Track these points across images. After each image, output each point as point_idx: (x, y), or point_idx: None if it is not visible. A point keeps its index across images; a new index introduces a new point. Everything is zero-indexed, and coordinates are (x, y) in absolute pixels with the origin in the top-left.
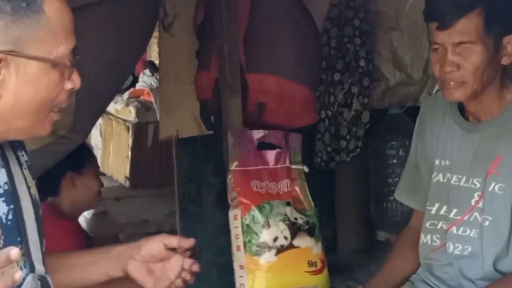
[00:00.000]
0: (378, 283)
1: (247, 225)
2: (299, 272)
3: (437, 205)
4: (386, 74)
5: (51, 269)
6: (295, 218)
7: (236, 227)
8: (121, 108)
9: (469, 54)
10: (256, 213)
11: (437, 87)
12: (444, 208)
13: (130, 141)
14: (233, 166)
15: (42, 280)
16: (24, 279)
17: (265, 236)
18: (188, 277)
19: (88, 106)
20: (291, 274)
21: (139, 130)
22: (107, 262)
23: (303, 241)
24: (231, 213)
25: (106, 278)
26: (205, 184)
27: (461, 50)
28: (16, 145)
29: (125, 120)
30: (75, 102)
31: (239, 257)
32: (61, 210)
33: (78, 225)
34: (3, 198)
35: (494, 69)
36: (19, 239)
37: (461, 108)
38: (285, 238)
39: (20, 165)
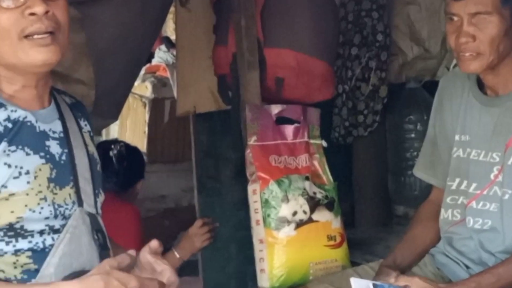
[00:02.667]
0: (400, 255)
1: (266, 200)
2: (319, 246)
3: (457, 180)
4: (403, 48)
5: None
6: (314, 193)
7: (255, 201)
8: (137, 84)
9: (485, 25)
10: (275, 187)
11: (455, 61)
12: (465, 183)
13: (147, 116)
14: (252, 141)
15: (91, 217)
16: (75, 210)
17: (284, 210)
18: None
19: (110, 96)
20: (311, 248)
21: (156, 106)
22: None
23: (322, 215)
24: (250, 187)
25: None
26: (223, 159)
27: (477, 21)
28: (80, 115)
29: (141, 96)
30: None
31: (259, 231)
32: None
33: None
34: (57, 141)
35: (511, 40)
36: (71, 177)
37: (480, 83)
38: (304, 212)
39: (79, 127)
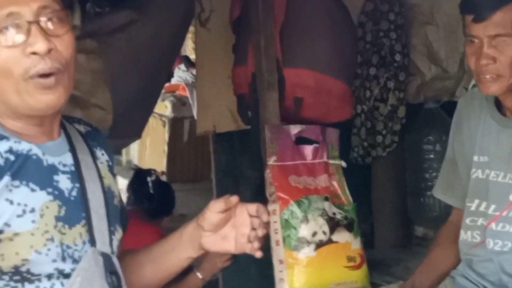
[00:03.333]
0: (420, 278)
1: (286, 220)
2: (338, 267)
3: (476, 201)
4: (421, 69)
5: (139, 265)
6: (334, 213)
7: (275, 222)
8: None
9: (505, 47)
10: (294, 208)
11: (473, 81)
12: (484, 204)
13: (166, 135)
14: (271, 161)
15: (105, 257)
16: (85, 252)
17: (304, 231)
18: (262, 224)
19: (128, 116)
20: (330, 269)
21: (175, 125)
22: (184, 248)
23: (342, 236)
24: (270, 208)
25: (189, 261)
26: (243, 179)
27: (497, 43)
28: (95, 144)
29: (161, 115)
30: (113, 115)
31: (278, 252)
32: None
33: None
34: (68, 175)
35: None
36: (83, 214)
37: (498, 104)
38: (324, 233)
39: (94, 157)
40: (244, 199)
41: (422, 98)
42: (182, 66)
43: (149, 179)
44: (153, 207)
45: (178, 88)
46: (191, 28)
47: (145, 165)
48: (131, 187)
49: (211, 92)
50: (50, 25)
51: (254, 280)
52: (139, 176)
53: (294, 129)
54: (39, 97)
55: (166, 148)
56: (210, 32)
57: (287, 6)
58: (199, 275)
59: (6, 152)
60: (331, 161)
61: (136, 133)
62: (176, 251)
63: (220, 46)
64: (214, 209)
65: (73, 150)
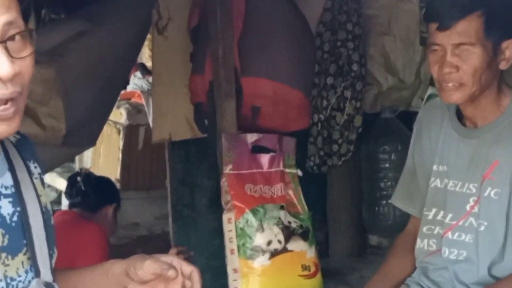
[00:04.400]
0: (375, 286)
1: (241, 229)
2: (293, 276)
3: (434, 210)
4: (378, 78)
5: (71, 286)
6: (289, 222)
7: (230, 230)
8: None
9: (468, 56)
10: (250, 216)
11: (429, 91)
12: (441, 213)
13: (121, 143)
14: (227, 169)
15: (48, 286)
16: (29, 282)
17: (259, 239)
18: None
19: (82, 126)
20: (285, 278)
21: (130, 133)
22: (107, 284)
23: (297, 245)
24: (225, 216)
25: None
26: (198, 187)
27: (460, 52)
28: (28, 156)
29: (115, 122)
30: (66, 125)
31: (233, 261)
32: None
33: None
34: (9, 199)
35: (492, 73)
36: (24, 241)
37: (459, 114)
38: (279, 241)
39: (30, 173)
40: (200, 208)
41: (378, 107)
42: (138, 74)
43: (78, 178)
44: (88, 201)
45: (133, 96)
46: (148, 36)
47: (98, 173)
48: (66, 192)
49: (168, 100)
50: (14, 45)
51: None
52: (71, 179)
53: (251, 138)
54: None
55: (120, 155)
56: (168, 40)
57: (245, 16)
58: None
59: None
60: (287, 170)
61: (90, 141)
62: (99, 286)
63: (177, 54)
64: (149, 271)
65: (12, 169)
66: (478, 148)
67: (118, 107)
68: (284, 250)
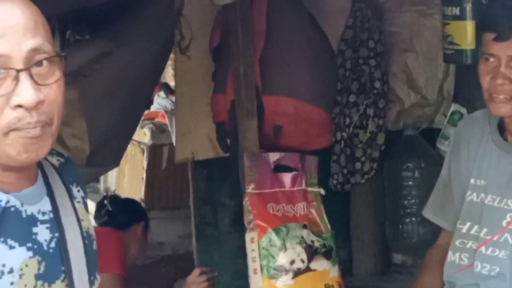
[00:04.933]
0: None
1: (264, 248)
2: None
3: (468, 224)
4: (401, 96)
5: None
6: (312, 241)
7: (253, 250)
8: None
9: None
10: (272, 236)
11: (452, 108)
12: (476, 227)
13: (145, 163)
14: (250, 188)
15: None
16: None
17: (282, 259)
18: None
19: (106, 146)
20: None
21: (154, 152)
22: None
23: (320, 264)
24: (248, 236)
25: None
26: (221, 207)
27: None
28: (71, 180)
29: (139, 142)
30: (89, 146)
31: (256, 280)
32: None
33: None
34: (47, 225)
35: None
36: (62, 268)
37: (501, 128)
38: (302, 261)
39: (71, 198)
40: (223, 227)
41: (401, 125)
42: (162, 93)
43: (105, 201)
44: (115, 220)
45: (157, 115)
46: (171, 56)
47: (123, 193)
48: (94, 216)
49: (190, 120)
50: (40, 71)
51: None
52: (99, 203)
53: (273, 157)
54: (20, 149)
55: (144, 175)
56: (190, 59)
57: (266, 34)
58: None
59: None
60: (309, 189)
61: (114, 161)
62: None
63: (200, 73)
64: None
65: (51, 194)
66: None
67: (142, 127)
68: (307, 269)
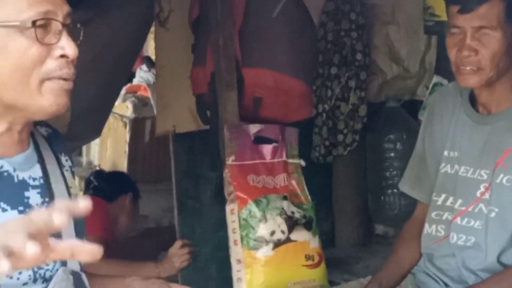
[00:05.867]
0: (386, 275)
1: (244, 219)
2: (297, 266)
3: (443, 196)
4: (382, 68)
5: None
6: (292, 212)
7: (233, 221)
8: (118, 103)
9: (488, 40)
10: (253, 207)
11: (434, 80)
12: (451, 199)
13: (127, 136)
14: (230, 160)
15: (75, 276)
16: (57, 270)
17: (262, 230)
18: None
19: (87, 117)
20: (289, 268)
21: (136, 126)
22: None
23: (300, 235)
24: (228, 207)
25: None
26: (203, 179)
27: (480, 35)
28: (59, 150)
29: (122, 116)
30: (70, 114)
31: (237, 251)
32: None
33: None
34: (38, 190)
35: (510, 58)
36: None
37: (472, 100)
38: (282, 232)
39: (60, 166)
40: (204, 199)
41: (383, 97)
42: (144, 67)
43: (91, 177)
44: (102, 192)
45: (139, 89)
46: (152, 29)
47: (105, 166)
48: (83, 194)
49: (171, 92)
50: (73, 31)
51: (213, 280)
52: (86, 181)
53: (253, 129)
54: (53, 100)
55: (127, 148)
56: (169, 32)
57: (246, 6)
58: (156, 270)
59: None
60: (290, 160)
61: (95, 131)
62: None
63: (179, 46)
64: None
65: (41, 161)
66: (491, 134)
67: (124, 100)
68: (288, 240)
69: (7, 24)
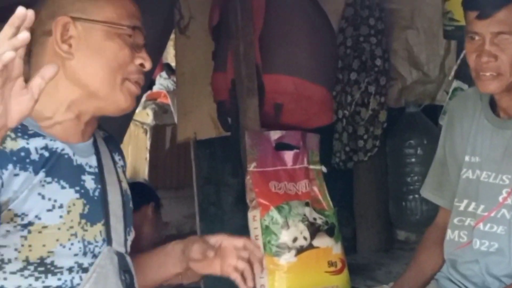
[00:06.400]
0: (408, 282)
1: (266, 226)
2: (320, 272)
3: (465, 201)
4: (402, 73)
5: None
6: (314, 219)
7: (255, 228)
8: (138, 111)
9: (507, 45)
10: (275, 213)
11: (454, 84)
12: (473, 204)
13: (148, 143)
14: (251, 167)
15: (120, 256)
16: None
17: (285, 236)
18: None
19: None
20: (311, 274)
21: (157, 133)
22: (172, 265)
23: (323, 241)
24: (250, 214)
25: (175, 275)
26: (224, 186)
27: (499, 41)
28: (114, 149)
29: (142, 123)
30: None
31: None
32: None
33: None
34: (92, 176)
35: None
36: (103, 214)
37: (492, 105)
38: (305, 238)
39: (114, 161)
40: (226, 206)
41: (403, 102)
42: (164, 74)
43: None
44: None
45: (159, 96)
46: (172, 36)
47: (127, 173)
48: None
49: (192, 99)
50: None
51: (236, 287)
52: None
53: (274, 135)
54: (127, 97)
55: (148, 156)
56: (190, 39)
57: (266, 12)
58: (179, 276)
59: (41, 148)
60: (311, 167)
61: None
62: (164, 267)
63: (200, 53)
64: (198, 252)
65: (97, 154)
66: None
67: (145, 108)
68: (310, 246)
69: (112, 26)
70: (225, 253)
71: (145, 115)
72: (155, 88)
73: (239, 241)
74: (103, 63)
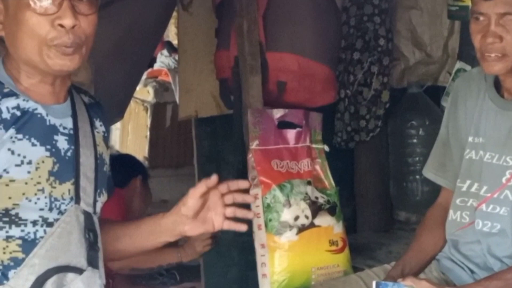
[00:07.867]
0: (409, 262)
1: (268, 204)
2: (321, 251)
3: (468, 182)
4: (405, 53)
5: (114, 237)
6: (316, 197)
7: (257, 206)
8: (139, 88)
9: None
10: (277, 192)
11: (457, 65)
12: (476, 185)
13: (149, 121)
14: (254, 145)
15: (86, 215)
16: (71, 206)
17: (286, 215)
18: (239, 198)
19: (110, 99)
20: (313, 253)
21: (157, 110)
22: (160, 232)
23: (324, 220)
24: (252, 192)
25: (164, 243)
26: (225, 164)
27: (505, 22)
28: (96, 116)
29: (143, 101)
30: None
31: (260, 236)
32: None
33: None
34: (66, 137)
35: None
36: (73, 174)
37: (497, 85)
38: (306, 217)
39: (92, 126)
40: None
41: (405, 82)
42: (165, 52)
43: None
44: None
45: (160, 74)
46: (174, 13)
47: (126, 151)
48: None
49: (193, 77)
50: (80, 5)
51: (236, 265)
52: None
53: (277, 113)
54: (56, 61)
55: (148, 133)
56: (193, 16)
57: None
58: (178, 255)
59: (13, 108)
60: (314, 145)
61: (117, 114)
62: (154, 235)
63: (202, 30)
64: (195, 195)
65: (74, 116)
66: None
67: (145, 85)
68: (312, 225)
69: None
70: (212, 203)
71: (145, 93)
72: (156, 66)
73: (223, 186)
74: (24, 35)
